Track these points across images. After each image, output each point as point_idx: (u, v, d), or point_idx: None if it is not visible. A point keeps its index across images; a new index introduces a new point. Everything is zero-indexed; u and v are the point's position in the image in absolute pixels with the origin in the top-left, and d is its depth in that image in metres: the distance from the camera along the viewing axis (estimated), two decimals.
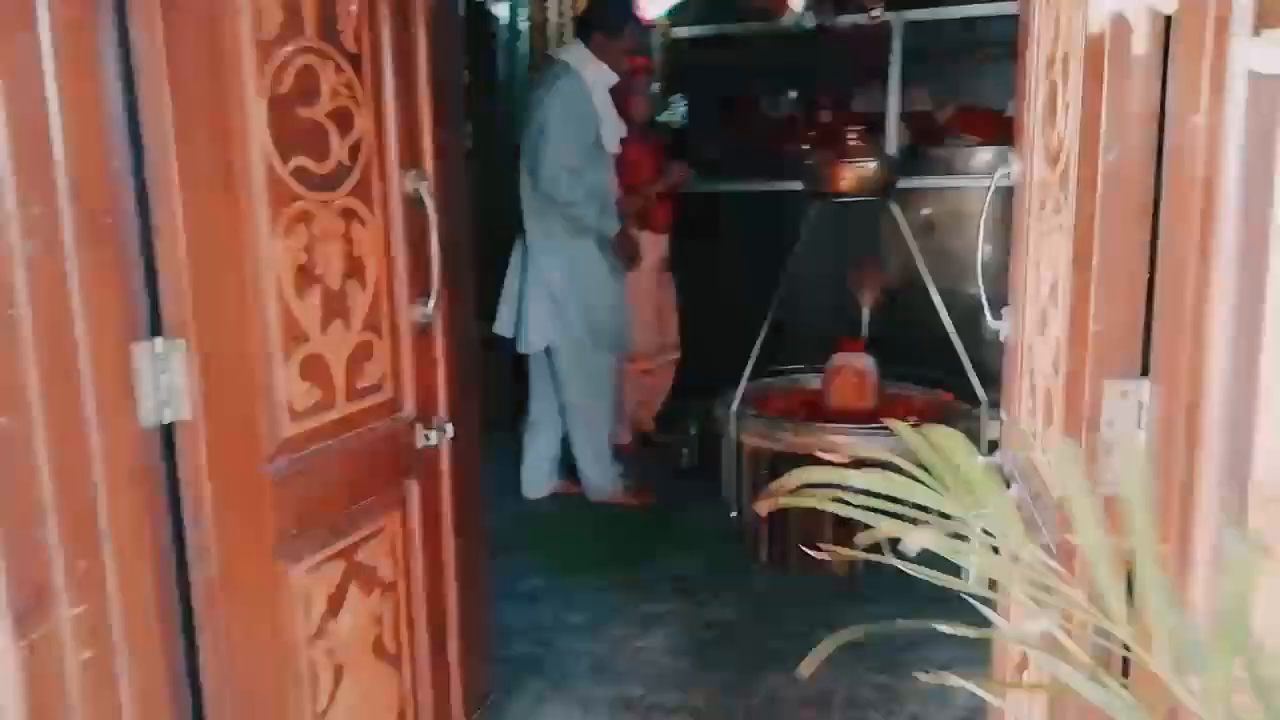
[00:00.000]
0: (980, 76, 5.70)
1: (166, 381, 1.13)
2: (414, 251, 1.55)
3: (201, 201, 1.14)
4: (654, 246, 4.04)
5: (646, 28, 3.67)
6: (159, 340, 1.12)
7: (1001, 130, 5.24)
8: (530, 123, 3.33)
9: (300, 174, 1.30)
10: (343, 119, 1.38)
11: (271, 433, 1.28)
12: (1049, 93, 1.10)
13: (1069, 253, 0.93)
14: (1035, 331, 1.12)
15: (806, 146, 5.30)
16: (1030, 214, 1.19)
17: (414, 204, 1.54)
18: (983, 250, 1.37)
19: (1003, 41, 5.37)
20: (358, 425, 1.45)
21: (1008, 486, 1.26)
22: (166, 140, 1.10)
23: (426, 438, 1.58)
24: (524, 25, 4.49)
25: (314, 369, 1.35)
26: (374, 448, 1.49)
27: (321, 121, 1.34)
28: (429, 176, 1.56)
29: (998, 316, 1.32)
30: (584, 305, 3.43)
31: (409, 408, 1.57)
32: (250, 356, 1.23)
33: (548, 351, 3.50)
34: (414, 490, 1.59)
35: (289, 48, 1.28)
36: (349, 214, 1.41)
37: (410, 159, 1.53)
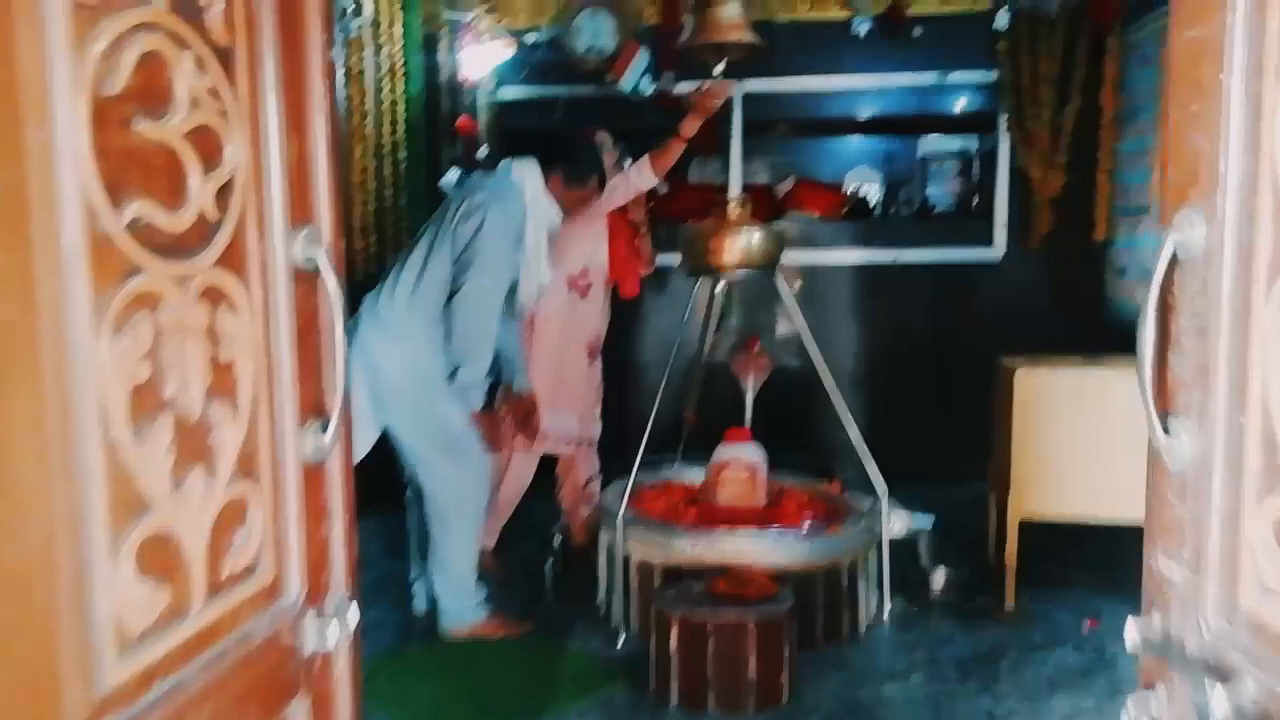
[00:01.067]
0: (816, 151, 5.68)
1: None
2: (305, 350, 1.03)
3: None
4: (595, 316, 3.55)
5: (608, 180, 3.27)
6: None
7: (838, 205, 5.19)
8: (460, 218, 2.77)
9: (142, 230, 0.77)
10: (206, 144, 0.86)
11: (86, 687, 0.72)
12: None
13: None
14: None
15: (647, 217, 5.03)
16: (1252, 294, 0.86)
17: (305, 279, 1.02)
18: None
19: (839, 116, 5.40)
20: (223, 633, 0.90)
21: (1210, 674, 0.91)
22: None
23: (322, 637, 1.04)
24: (340, 73, 3.95)
25: (159, 556, 0.80)
26: (246, 666, 0.93)
27: (174, 146, 0.82)
28: (326, 240, 1.05)
29: (1166, 430, 0.97)
30: (431, 410, 2.84)
31: (295, 591, 1.02)
32: (52, 553, 0.68)
33: (400, 449, 2.90)
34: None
35: (125, 19, 0.75)
36: (215, 296, 0.88)
37: (302, 212, 1.01)
